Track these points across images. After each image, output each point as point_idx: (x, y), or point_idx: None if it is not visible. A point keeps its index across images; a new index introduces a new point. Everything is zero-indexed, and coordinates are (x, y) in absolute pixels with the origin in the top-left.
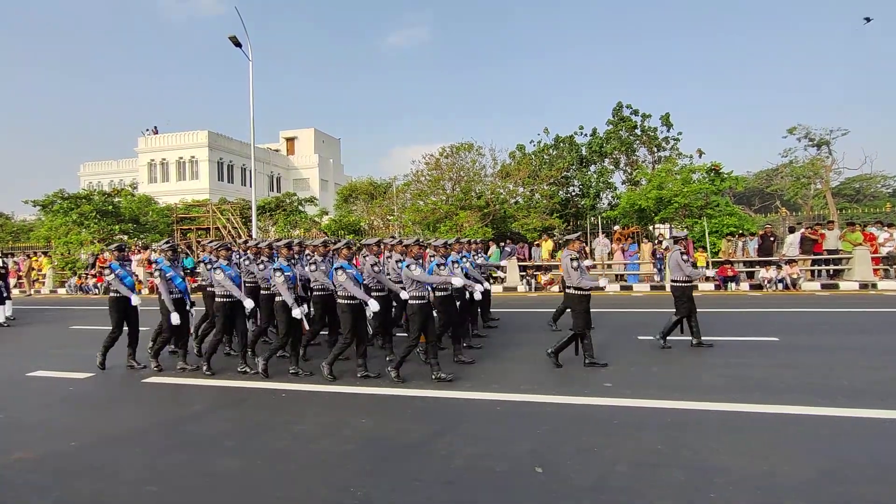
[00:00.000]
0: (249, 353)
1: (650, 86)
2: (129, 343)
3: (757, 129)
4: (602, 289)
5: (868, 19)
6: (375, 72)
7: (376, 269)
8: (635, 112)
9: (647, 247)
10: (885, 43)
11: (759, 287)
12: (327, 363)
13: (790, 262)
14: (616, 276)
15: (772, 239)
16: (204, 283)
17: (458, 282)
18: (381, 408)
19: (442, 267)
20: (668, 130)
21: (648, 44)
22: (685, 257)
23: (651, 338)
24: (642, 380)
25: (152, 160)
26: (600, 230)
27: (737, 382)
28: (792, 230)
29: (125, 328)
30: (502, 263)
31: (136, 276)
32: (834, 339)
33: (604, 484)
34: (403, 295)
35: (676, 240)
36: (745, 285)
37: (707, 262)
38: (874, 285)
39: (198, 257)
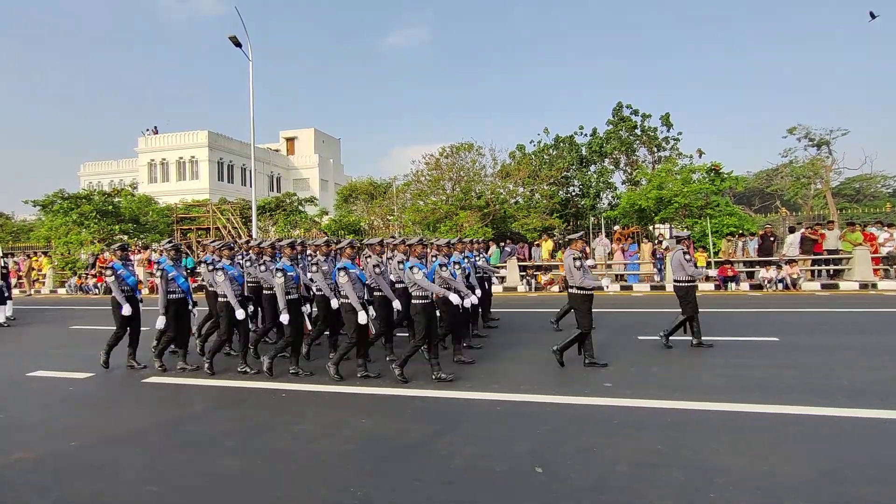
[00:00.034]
0: (252, 352)
1: (650, 86)
2: (130, 343)
3: (757, 129)
4: (602, 289)
5: (874, 15)
6: (375, 72)
7: (377, 270)
8: (635, 112)
9: (647, 247)
10: (885, 43)
11: (759, 287)
12: (333, 364)
13: (790, 262)
14: (616, 276)
15: (772, 239)
16: (207, 283)
17: (455, 298)
18: (381, 408)
19: (444, 268)
20: (668, 130)
21: (648, 43)
22: (687, 257)
23: (651, 338)
24: (642, 380)
25: (152, 160)
26: (602, 230)
27: (737, 382)
28: (792, 230)
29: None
30: (501, 265)
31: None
32: (834, 339)
33: (604, 484)
34: (396, 305)
35: (679, 239)
36: (745, 285)
37: (709, 262)
38: (874, 285)
39: (198, 257)
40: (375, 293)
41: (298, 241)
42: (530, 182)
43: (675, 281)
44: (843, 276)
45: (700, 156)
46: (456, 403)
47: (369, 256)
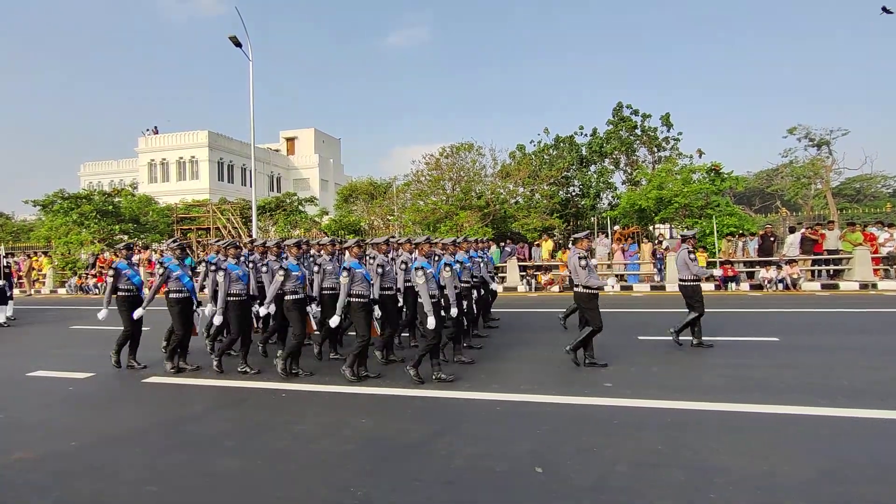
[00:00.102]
0: (261, 351)
1: (650, 86)
2: (131, 343)
3: (757, 129)
4: (603, 288)
5: (888, 10)
6: (375, 72)
7: (379, 270)
8: (635, 112)
9: (647, 247)
10: (885, 43)
11: (759, 287)
12: (348, 366)
13: (790, 262)
14: (616, 276)
15: (772, 239)
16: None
17: (431, 322)
18: (381, 408)
19: (448, 267)
20: (668, 130)
21: (648, 43)
22: (692, 256)
23: (651, 338)
24: (642, 380)
25: (152, 160)
26: (608, 230)
27: (737, 382)
28: (792, 230)
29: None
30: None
31: None
32: (834, 339)
33: (604, 484)
34: (376, 313)
35: (684, 238)
36: (745, 285)
37: (716, 262)
38: (874, 285)
39: (198, 257)
40: (382, 292)
41: (304, 240)
42: (530, 182)
43: (680, 280)
44: (844, 276)
45: (700, 156)
46: (456, 403)
47: (374, 257)
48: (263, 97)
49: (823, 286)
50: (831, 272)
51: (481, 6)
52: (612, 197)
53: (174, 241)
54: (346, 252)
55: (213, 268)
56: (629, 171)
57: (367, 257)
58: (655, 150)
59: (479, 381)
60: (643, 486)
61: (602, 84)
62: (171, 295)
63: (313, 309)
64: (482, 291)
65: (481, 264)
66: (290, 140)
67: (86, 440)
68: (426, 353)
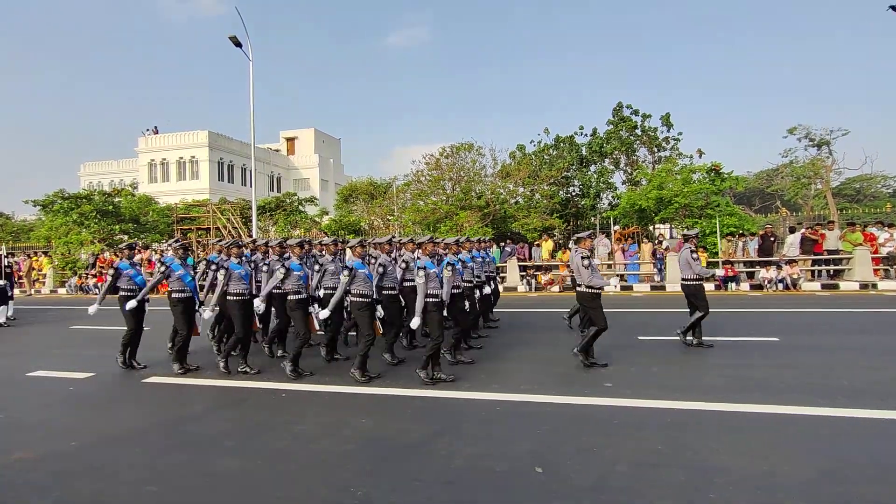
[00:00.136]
0: (267, 351)
1: (650, 86)
2: (130, 343)
3: (757, 129)
4: (604, 288)
5: (894, 8)
6: (375, 72)
7: (380, 270)
8: (635, 112)
9: (647, 247)
10: (886, 43)
11: (759, 287)
12: (356, 368)
13: (790, 262)
14: (616, 276)
15: (772, 239)
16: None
17: (415, 322)
18: (381, 408)
19: (450, 267)
20: (668, 130)
21: (648, 43)
22: (695, 256)
23: (651, 338)
24: (642, 380)
25: (152, 160)
26: (608, 230)
27: (737, 382)
28: (792, 230)
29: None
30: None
31: None
32: (834, 339)
33: (604, 484)
34: (378, 312)
35: (687, 238)
36: (745, 285)
37: (718, 262)
38: (874, 285)
39: (198, 257)
40: (384, 292)
41: (307, 240)
42: (530, 182)
43: (683, 280)
44: (844, 276)
45: (700, 156)
46: (456, 403)
47: (376, 257)
48: (263, 97)
49: (823, 286)
50: (831, 272)
51: (481, 6)
52: (612, 197)
53: (176, 241)
54: (349, 251)
55: (213, 266)
56: (629, 171)
57: (370, 257)
58: (655, 150)
59: (479, 381)
60: (643, 486)
61: (602, 84)
62: (173, 294)
63: (316, 309)
64: (486, 290)
65: (482, 264)
66: (290, 140)
67: (86, 440)
68: (433, 353)
